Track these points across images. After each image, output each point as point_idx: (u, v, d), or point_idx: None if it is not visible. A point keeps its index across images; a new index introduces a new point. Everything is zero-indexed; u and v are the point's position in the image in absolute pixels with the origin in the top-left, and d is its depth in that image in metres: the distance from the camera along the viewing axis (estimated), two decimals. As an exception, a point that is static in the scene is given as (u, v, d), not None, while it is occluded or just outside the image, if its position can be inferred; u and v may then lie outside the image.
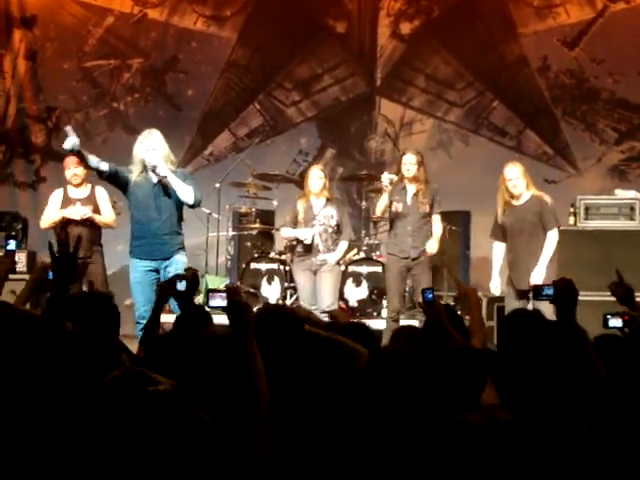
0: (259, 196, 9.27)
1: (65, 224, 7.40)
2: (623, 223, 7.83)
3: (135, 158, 6.29)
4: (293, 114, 10.91)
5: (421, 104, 10.74)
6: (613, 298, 3.74)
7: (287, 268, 8.30)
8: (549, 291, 2.76)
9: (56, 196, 7.70)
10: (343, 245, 7.74)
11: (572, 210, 8.03)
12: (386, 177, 7.16)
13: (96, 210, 7.53)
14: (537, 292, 2.84)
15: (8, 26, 10.74)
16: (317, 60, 10.84)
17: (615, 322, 3.36)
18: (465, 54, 10.56)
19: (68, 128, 6.06)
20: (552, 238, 6.71)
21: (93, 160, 6.23)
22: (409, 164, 7.21)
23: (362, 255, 8.63)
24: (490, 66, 10.54)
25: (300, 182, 9.79)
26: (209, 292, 2.56)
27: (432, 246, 7.21)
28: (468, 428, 1.89)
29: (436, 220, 7.35)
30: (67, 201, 7.58)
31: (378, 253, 8.77)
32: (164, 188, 6.27)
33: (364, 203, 9.33)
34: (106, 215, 7.59)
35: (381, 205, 7.38)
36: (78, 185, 7.58)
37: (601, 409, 2.31)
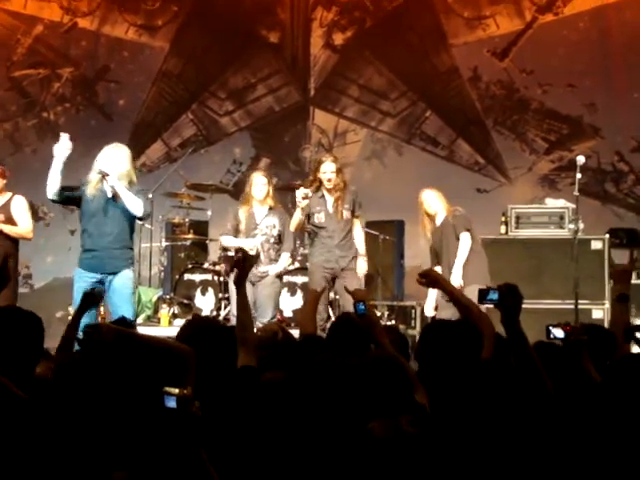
0: (192, 206, 9.20)
1: None
2: (553, 232, 7.96)
3: (94, 167, 6.25)
4: (227, 124, 10.87)
5: (355, 114, 10.79)
6: (545, 306, 3.80)
7: (221, 279, 8.23)
8: (494, 295, 2.77)
9: None
10: (285, 257, 7.48)
11: (503, 219, 8.15)
12: (301, 192, 6.89)
13: (9, 220, 7.26)
14: (482, 296, 2.84)
15: None
16: (250, 70, 10.83)
17: (557, 332, 3.38)
18: (398, 64, 10.65)
19: (65, 135, 6.26)
20: (463, 240, 6.96)
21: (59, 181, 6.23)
22: (329, 172, 7.07)
23: (297, 265, 8.62)
24: (422, 76, 10.64)
25: (234, 192, 9.77)
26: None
27: (362, 267, 7.08)
28: (372, 437, 1.90)
29: (357, 225, 7.15)
30: None
31: (312, 263, 8.77)
32: (117, 202, 6.21)
33: (298, 213, 9.32)
34: (20, 225, 7.30)
35: (295, 221, 7.12)
36: None
37: (545, 415, 2.33)
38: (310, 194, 6.92)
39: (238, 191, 10.20)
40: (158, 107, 10.84)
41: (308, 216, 7.14)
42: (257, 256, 7.16)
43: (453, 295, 3.62)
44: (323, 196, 7.08)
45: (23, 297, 9.33)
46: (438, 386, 2.70)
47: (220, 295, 8.26)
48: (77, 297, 6.00)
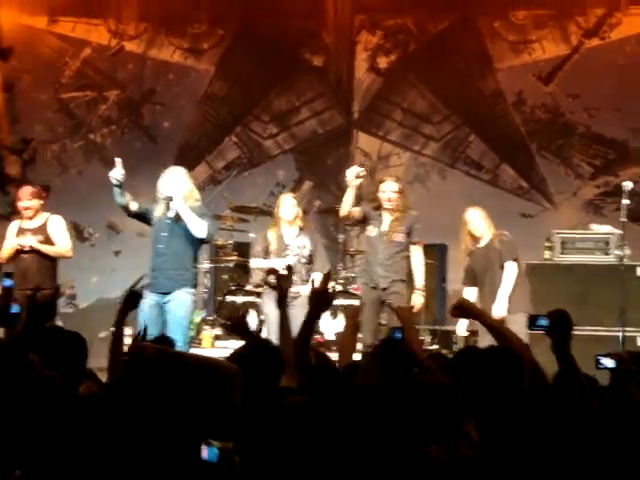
0: (236, 228, 9.25)
1: (16, 255, 7.28)
2: (599, 258, 7.86)
3: (157, 192, 6.54)
4: (270, 146, 10.92)
5: (398, 137, 10.78)
6: (589, 332, 3.74)
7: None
8: (544, 322, 2.73)
9: (12, 228, 7.56)
10: (316, 277, 7.48)
11: (548, 244, 8.06)
12: (352, 171, 6.87)
13: (47, 240, 7.36)
14: (532, 322, 2.80)
15: (-15, 57, 10.73)
16: (295, 93, 10.88)
17: (607, 362, 3.31)
18: (442, 88, 10.63)
19: (119, 160, 6.41)
20: (509, 269, 6.86)
21: (126, 197, 6.51)
22: (389, 192, 7.05)
23: (339, 288, 8.61)
24: (467, 100, 10.61)
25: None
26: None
27: (417, 301, 7.04)
28: (430, 461, 1.88)
29: (415, 251, 7.13)
30: (20, 232, 7.45)
31: (354, 286, 8.75)
32: (178, 224, 6.40)
33: (341, 236, 9.33)
34: (59, 245, 7.40)
35: (346, 203, 7.00)
36: (30, 218, 7.44)
37: (595, 442, 2.30)
38: (363, 172, 6.88)
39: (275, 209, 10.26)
40: (202, 130, 10.92)
41: (363, 219, 7.08)
42: (291, 275, 7.15)
43: (488, 324, 3.57)
44: (381, 215, 7.06)
45: (67, 317, 9.44)
46: (473, 413, 2.67)
47: (262, 317, 8.26)
48: (139, 316, 6.01)
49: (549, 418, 2.41)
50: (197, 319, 8.80)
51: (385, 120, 10.79)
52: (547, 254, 8.02)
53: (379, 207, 7.10)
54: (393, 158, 10.74)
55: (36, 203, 7.44)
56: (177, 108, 10.90)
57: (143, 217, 6.69)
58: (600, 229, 8.17)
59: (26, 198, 7.44)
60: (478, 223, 6.99)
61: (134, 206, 6.56)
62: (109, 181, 6.45)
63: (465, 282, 7.10)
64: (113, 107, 10.89)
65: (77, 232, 10.42)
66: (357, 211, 7.15)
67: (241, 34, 10.84)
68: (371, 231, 7.12)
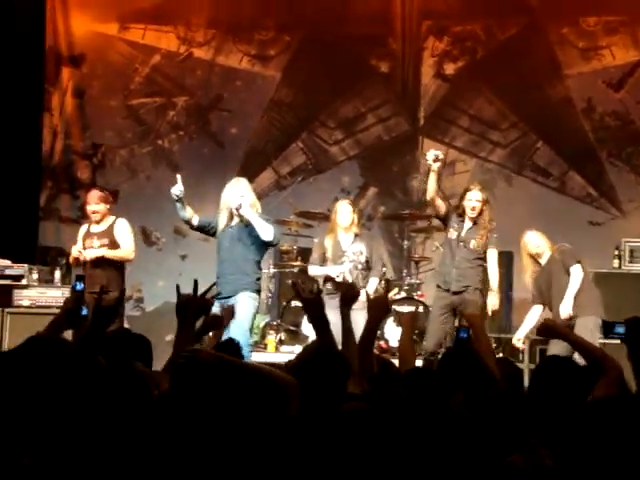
0: (300, 234, 9.28)
1: (84, 263, 7.41)
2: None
3: (222, 205, 6.85)
4: (336, 153, 10.93)
5: (464, 144, 10.71)
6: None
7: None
8: (620, 329, 2.69)
9: (81, 232, 7.71)
10: (373, 282, 7.47)
11: (617, 253, 7.97)
12: (431, 154, 6.89)
13: (112, 243, 7.48)
14: (607, 329, 2.77)
15: (57, 64, 10.91)
16: (361, 99, 10.88)
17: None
18: (509, 95, 10.55)
19: (179, 176, 6.86)
20: (575, 272, 6.91)
21: (188, 212, 6.91)
22: (474, 200, 7.08)
23: (403, 294, 8.58)
24: (534, 107, 10.51)
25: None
26: None
27: (492, 302, 7.10)
28: (514, 470, 1.85)
29: (491, 254, 7.18)
30: (87, 236, 7.58)
31: (419, 293, 8.72)
32: (239, 232, 6.73)
33: (406, 242, 9.30)
34: (123, 248, 7.51)
35: (430, 186, 7.02)
36: (97, 222, 7.57)
37: None
38: (441, 155, 6.92)
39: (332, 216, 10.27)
40: (269, 135, 10.98)
41: (445, 217, 7.07)
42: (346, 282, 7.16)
43: (576, 343, 3.50)
44: (463, 221, 7.08)
45: (134, 320, 9.59)
46: (553, 422, 2.63)
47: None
48: None
49: (633, 429, 2.35)
50: (261, 324, 8.85)
51: (451, 126, 10.74)
52: (616, 263, 7.93)
53: (462, 214, 7.13)
54: (459, 165, 10.67)
55: (103, 207, 7.56)
56: (244, 114, 10.97)
57: (206, 230, 7.04)
58: (670, 238, 8.03)
59: (94, 202, 7.57)
60: (537, 242, 7.10)
61: (196, 220, 6.95)
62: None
63: (534, 300, 7.14)
64: (181, 113, 11.01)
65: (144, 236, 10.56)
66: (442, 204, 7.19)
67: (308, 40, 10.88)
68: (451, 234, 7.17)
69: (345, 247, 7.41)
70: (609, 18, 10.37)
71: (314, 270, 7.57)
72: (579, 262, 6.90)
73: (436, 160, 6.87)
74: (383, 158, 10.85)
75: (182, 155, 10.89)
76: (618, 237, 8.22)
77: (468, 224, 7.13)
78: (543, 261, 7.07)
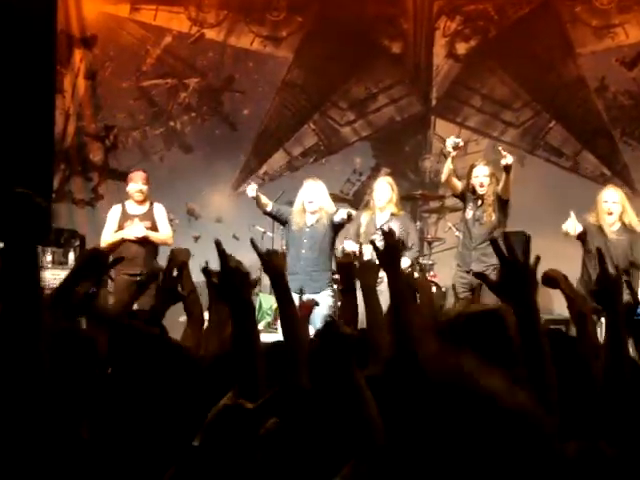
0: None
1: (121, 241, 7.46)
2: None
3: (297, 202, 7.34)
4: (348, 134, 10.92)
5: (476, 124, 10.68)
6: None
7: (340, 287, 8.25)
8: None
9: (114, 213, 7.74)
10: (404, 262, 7.49)
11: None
12: (451, 141, 6.99)
13: (153, 226, 7.57)
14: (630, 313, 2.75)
15: (69, 46, 10.91)
16: (372, 80, 10.85)
17: None
18: (522, 74, 10.50)
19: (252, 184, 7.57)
20: None
21: (263, 200, 7.48)
22: (482, 176, 7.08)
23: (416, 275, 8.56)
24: (547, 86, 10.46)
25: (353, 202, 9.80)
26: None
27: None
28: (569, 459, 1.77)
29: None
30: (125, 217, 7.62)
31: (432, 273, 8.71)
32: (318, 229, 7.18)
33: (418, 223, 9.28)
34: (163, 232, 7.63)
35: (446, 170, 7.15)
36: (140, 202, 7.64)
37: None
38: (461, 143, 6.95)
39: (358, 200, 10.25)
40: (281, 117, 10.97)
41: (462, 196, 7.12)
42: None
43: (568, 299, 3.43)
44: (477, 199, 7.06)
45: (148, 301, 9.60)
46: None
47: (339, 303, 8.27)
48: None
49: None
50: (274, 305, 8.86)
51: (463, 106, 10.70)
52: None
53: (474, 192, 7.13)
54: (471, 145, 10.64)
55: (146, 188, 7.64)
56: (256, 95, 10.96)
57: (277, 219, 7.59)
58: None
59: (141, 181, 7.65)
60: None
61: (269, 207, 7.48)
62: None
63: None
64: (193, 95, 11.01)
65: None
66: (459, 184, 7.20)
67: (319, 21, 10.85)
68: (467, 213, 7.17)
69: (378, 224, 7.40)
70: (623, -4, 10.29)
71: (349, 245, 7.58)
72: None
73: (455, 148, 6.92)
74: (395, 139, 10.83)
75: (194, 136, 10.89)
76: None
77: (479, 202, 7.13)
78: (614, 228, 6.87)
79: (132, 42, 11.01)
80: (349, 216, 7.02)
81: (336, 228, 7.23)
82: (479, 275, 2.47)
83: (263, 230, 9.44)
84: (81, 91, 10.98)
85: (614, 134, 10.30)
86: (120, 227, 7.60)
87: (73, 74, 10.97)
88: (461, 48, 10.70)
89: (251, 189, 7.40)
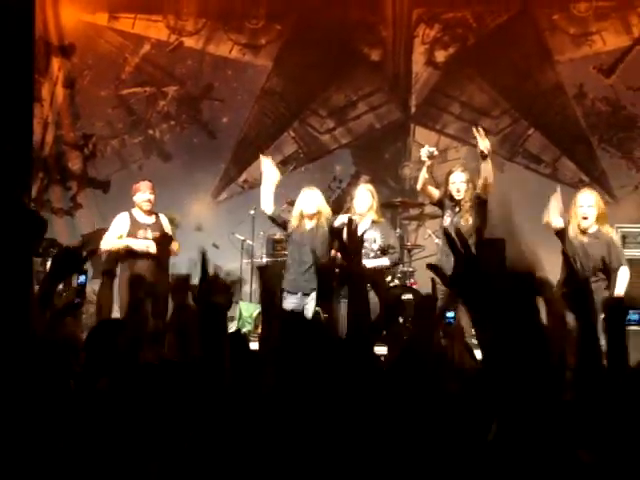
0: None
1: (128, 255, 7.38)
2: (661, 252, 7.74)
3: (296, 209, 7.47)
4: (327, 141, 10.92)
5: (456, 131, 10.70)
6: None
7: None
8: (635, 317, 2.66)
9: (122, 220, 7.64)
10: (383, 262, 7.42)
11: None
12: (425, 151, 7.03)
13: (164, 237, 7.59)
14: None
15: (47, 54, 10.87)
16: (352, 87, 10.86)
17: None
18: (500, 82, 10.54)
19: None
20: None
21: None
22: (459, 182, 7.07)
23: (396, 282, 8.57)
24: (526, 94, 10.51)
25: (334, 210, 9.78)
26: None
27: None
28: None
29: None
30: (135, 226, 7.56)
31: (412, 280, 8.71)
32: (317, 234, 7.30)
33: (398, 230, 9.28)
34: (174, 242, 7.67)
35: (421, 179, 7.20)
36: (148, 212, 7.61)
37: None
38: (435, 152, 6.97)
39: (338, 208, 10.24)
40: (260, 125, 10.96)
41: (439, 204, 7.10)
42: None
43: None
44: (455, 206, 7.06)
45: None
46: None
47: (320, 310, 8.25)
48: None
49: None
50: (254, 313, 8.84)
51: (443, 114, 10.73)
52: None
53: (452, 199, 7.13)
54: (451, 152, 10.67)
55: (153, 197, 7.64)
56: (235, 103, 10.95)
57: (277, 222, 7.66)
58: (662, 223, 8.04)
59: (149, 191, 7.63)
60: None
61: (273, 213, 7.56)
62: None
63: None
64: (172, 103, 10.98)
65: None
66: (435, 192, 7.19)
67: (298, 29, 10.85)
68: (445, 221, 7.15)
69: (360, 232, 7.34)
70: (600, 3, 10.35)
71: (340, 219, 7.53)
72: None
73: (430, 157, 6.94)
74: (375, 146, 10.83)
75: (173, 145, 10.87)
76: (610, 223, 8.19)
77: (457, 208, 7.13)
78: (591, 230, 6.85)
79: (110, 50, 10.98)
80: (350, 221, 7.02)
81: (335, 233, 7.20)
82: (432, 267, 2.44)
83: (243, 238, 9.44)
84: (59, 100, 10.93)
85: (592, 141, 10.35)
86: (131, 235, 7.53)
87: (51, 83, 10.92)
88: (440, 56, 10.73)
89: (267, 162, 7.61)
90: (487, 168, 7.02)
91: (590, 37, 10.39)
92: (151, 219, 7.64)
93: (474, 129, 7.15)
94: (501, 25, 10.62)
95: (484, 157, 6.99)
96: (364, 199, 7.40)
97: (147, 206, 7.59)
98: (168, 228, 7.73)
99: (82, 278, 3.68)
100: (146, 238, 7.47)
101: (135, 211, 7.66)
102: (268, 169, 7.50)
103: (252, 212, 9.11)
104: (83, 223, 10.60)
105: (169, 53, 10.96)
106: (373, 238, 7.32)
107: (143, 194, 7.62)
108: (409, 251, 9.36)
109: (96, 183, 10.71)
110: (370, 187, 7.63)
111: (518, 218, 9.05)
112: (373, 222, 7.40)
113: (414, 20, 10.76)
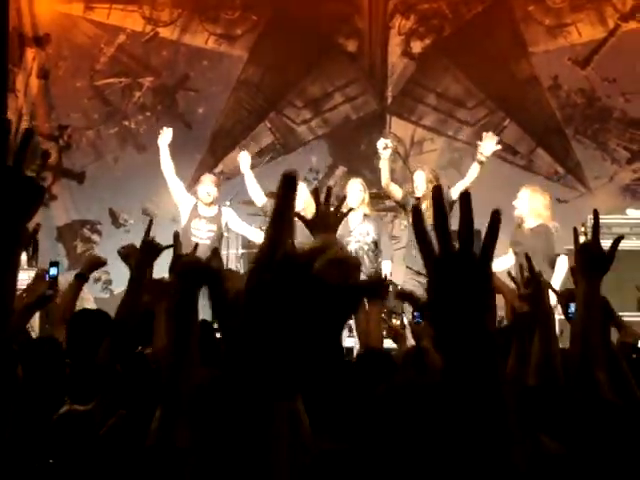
0: (269, 214, 9.27)
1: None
2: (634, 243, 7.79)
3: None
4: (304, 132, 10.91)
5: (432, 123, 10.72)
6: (627, 318, 3.67)
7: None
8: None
9: (189, 203, 7.75)
10: (386, 265, 7.48)
11: (583, 229, 7.98)
12: (381, 142, 7.08)
13: (219, 230, 7.61)
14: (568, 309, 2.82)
15: (21, 45, 10.79)
16: (328, 78, 10.85)
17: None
18: (476, 73, 10.56)
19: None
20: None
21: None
22: (417, 181, 7.15)
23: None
24: (501, 85, 10.53)
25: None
26: None
27: None
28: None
29: None
30: (194, 215, 7.63)
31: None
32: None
33: (374, 222, 9.30)
34: (252, 235, 7.76)
35: (383, 173, 7.33)
36: (208, 204, 7.64)
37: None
38: (390, 144, 7.01)
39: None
40: (236, 115, 10.93)
41: (402, 202, 7.12)
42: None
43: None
44: (419, 204, 7.11)
45: (102, 302, 9.52)
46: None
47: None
48: None
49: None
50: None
51: (419, 105, 10.74)
52: (582, 239, 7.94)
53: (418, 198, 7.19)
54: (427, 143, 10.69)
55: (217, 192, 7.67)
56: (211, 94, 10.91)
57: (267, 215, 7.43)
58: (636, 214, 8.10)
59: (213, 183, 7.65)
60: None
61: (264, 205, 7.50)
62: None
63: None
64: (147, 94, 10.94)
65: (113, 218, 10.50)
66: (397, 189, 7.23)
67: (274, 20, 10.82)
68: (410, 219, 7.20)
69: (352, 226, 7.34)
70: (575, -6, 10.40)
71: (387, 266, 7.59)
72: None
73: (385, 148, 6.98)
74: (351, 137, 10.84)
75: (149, 136, 10.76)
76: (585, 214, 8.24)
77: (422, 206, 7.17)
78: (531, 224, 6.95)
79: (86, 41, 10.92)
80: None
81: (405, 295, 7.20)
82: (402, 296, 2.46)
83: (219, 230, 9.40)
84: (34, 90, 10.86)
85: (567, 132, 10.40)
86: (191, 220, 7.62)
87: (26, 73, 10.85)
88: (416, 46, 10.74)
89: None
90: (475, 173, 7.09)
91: (565, 28, 10.43)
92: (211, 211, 7.70)
93: (485, 134, 7.20)
94: (476, 16, 10.64)
95: (481, 162, 7.05)
96: (356, 193, 7.40)
97: (207, 199, 7.70)
98: (234, 221, 7.72)
99: (53, 270, 3.65)
100: (198, 229, 7.54)
101: (198, 202, 7.72)
102: (246, 164, 7.55)
103: (228, 203, 9.08)
104: (58, 214, 10.55)
105: (144, 43, 10.91)
106: (366, 231, 7.36)
107: (203, 186, 7.74)
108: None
109: (71, 174, 10.65)
110: (361, 181, 7.69)
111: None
112: (365, 215, 7.41)
113: (390, 11, 10.76)
